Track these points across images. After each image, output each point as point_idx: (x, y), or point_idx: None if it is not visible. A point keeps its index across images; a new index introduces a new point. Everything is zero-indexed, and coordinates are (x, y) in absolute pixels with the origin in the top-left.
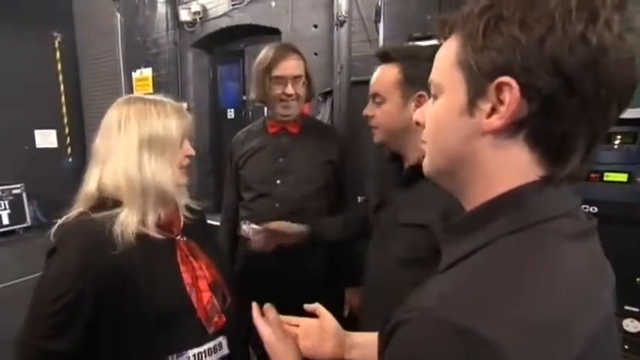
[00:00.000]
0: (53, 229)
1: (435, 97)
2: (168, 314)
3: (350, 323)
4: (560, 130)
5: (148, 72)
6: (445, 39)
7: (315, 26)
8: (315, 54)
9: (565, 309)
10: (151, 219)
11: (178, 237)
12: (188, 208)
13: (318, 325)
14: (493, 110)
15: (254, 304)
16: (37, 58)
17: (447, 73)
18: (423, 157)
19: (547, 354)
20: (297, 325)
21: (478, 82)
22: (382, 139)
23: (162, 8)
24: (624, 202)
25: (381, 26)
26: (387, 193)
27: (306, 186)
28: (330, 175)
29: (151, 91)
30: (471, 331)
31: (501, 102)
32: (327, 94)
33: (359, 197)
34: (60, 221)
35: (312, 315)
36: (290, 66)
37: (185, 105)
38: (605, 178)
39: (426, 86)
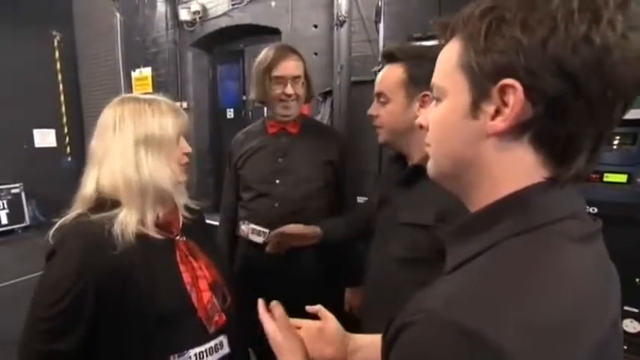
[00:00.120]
0: (51, 232)
1: (438, 100)
2: (169, 314)
3: (350, 323)
4: (565, 131)
5: (147, 71)
6: (447, 41)
7: (315, 26)
8: (315, 54)
9: (570, 311)
10: (150, 218)
11: (177, 237)
12: (187, 207)
13: (318, 328)
14: (497, 112)
15: (260, 301)
16: (36, 57)
17: (449, 76)
18: (426, 157)
19: (552, 356)
20: (299, 327)
21: (481, 84)
22: (386, 139)
23: (161, 7)
24: (624, 203)
25: (381, 26)
26: (387, 193)
27: (305, 186)
28: (329, 175)
29: (151, 90)
30: (477, 333)
31: (505, 104)
32: (327, 94)
33: (358, 197)
34: (58, 223)
35: (315, 316)
36: (290, 66)
37: (185, 104)
38: (604, 179)
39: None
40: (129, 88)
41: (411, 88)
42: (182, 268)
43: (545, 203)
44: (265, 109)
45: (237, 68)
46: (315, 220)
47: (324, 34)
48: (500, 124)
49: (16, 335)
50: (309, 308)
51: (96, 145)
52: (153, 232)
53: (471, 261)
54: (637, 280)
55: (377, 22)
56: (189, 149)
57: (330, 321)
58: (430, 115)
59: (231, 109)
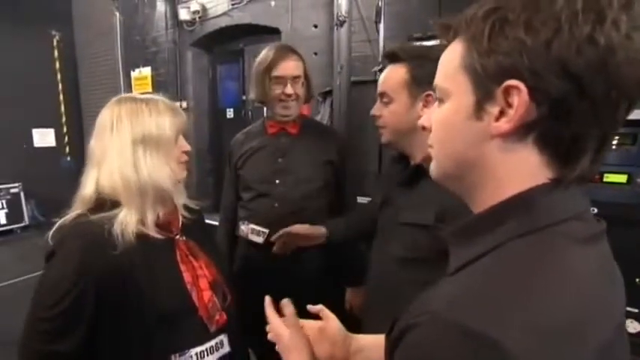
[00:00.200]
0: (51, 232)
1: (441, 102)
2: (170, 314)
3: (351, 323)
4: (569, 132)
5: (147, 71)
6: (449, 42)
7: (315, 26)
8: (315, 54)
9: (574, 313)
10: (150, 218)
11: (177, 236)
12: (186, 207)
13: (320, 328)
14: (501, 113)
15: (267, 299)
16: (35, 56)
17: (452, 77)
18: (427, 157)
19: (557, 358)
20: (301, 327)
21: (485, 85)
22: (389, 139)
23: (161, 7)
24: (624, 203)
25: (381, 26)
26: (389, 193)
27: (305, 186)
28: (329, 175)
29: (150, 90)
30: (481, 334)
31: (509, 105)
32: (327, 94)
33: (358, 197)
34: (57, 224)
35: (316, 317)
36: (289, 66)
37: (185, 104)
38: (604, 179)
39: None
40: (128, 87)
41: (414, 89)
42: (182, 267)
43: (550, 204)
44: (265, 109)
45: (236, 68)
46: (315, 220)
47: (324, 34)
48: (504, 125)
49: (16, 335)
50: (310, 307)
51: (94, 145)
52: (153, 232)
53: (474, 262)
54: (637, 280)
55: (377, 22)
56: (188, 148)
57: (331, 321)
58: (433, 117)
59: (231, 109)
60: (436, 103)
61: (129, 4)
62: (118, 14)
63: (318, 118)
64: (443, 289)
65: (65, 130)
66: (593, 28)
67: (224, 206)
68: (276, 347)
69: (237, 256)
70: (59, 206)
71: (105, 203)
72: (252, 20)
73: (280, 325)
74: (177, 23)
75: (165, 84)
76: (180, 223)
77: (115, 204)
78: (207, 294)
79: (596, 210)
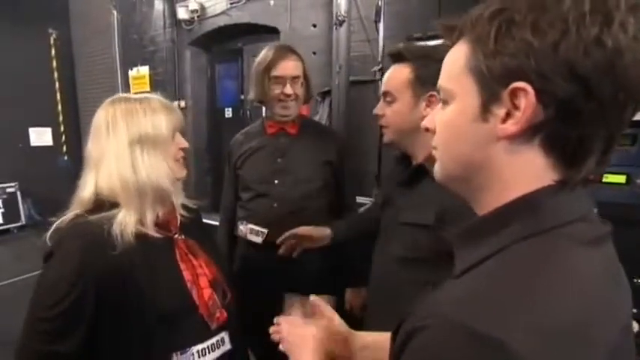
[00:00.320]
0: (49, 233)
1: (445, 103)
2: (170, 313)
3: (350, 323)
4: (576, 134)
5: (144, 70)
6: (453, 43)
7: (314, 25)
8: (314, 53)
9: (579, 315)
10: (150, 218)
11: (176, 235)
12: (184, 206)
13: (323, 326)
14: (508, 115)
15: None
16: (32, 55)
17: (457, 78)
18: (429, 157)
19: (562, 358)
20: None
21: (491, 87)
22: (392, 139)
23: (159, 5)
24: (623, 204)
25: (381, 26)
26: (391, 193)
27: (304, 186)
28: (328, 176)
29: (148, 89)
30: (487, 336)
31: (516, 107)
32: (326, 94)
33: (357, 197)
34: (55, 224)
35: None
36: (289, 66)
37: (183, 103)
38: (603, 180)
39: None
40: (126, 86)
41: (418, 88)
42: (182, 266)
43: (555, 206)
44: (264, 108)
45: (235, 67)
46: (314, 221)
47: (323, 34)
48: (511, 127)
49: (15, 335)
50: (313, 299)
51: (91, 148)
52: (153, 232)
53: (480, 264)
54: (636, 280)
55: (377, 22)
56: (185, 144)
57: (335, 319)
58: (437, 118)
59: (230, 109)
60: (440, 104)
61: (126, 2)
62: (115, 12)
63: (316, 117)
64: (449, 292)
65: (62, 129)
66: (600, 30)
67: (224, 207)
68: (280, 346)
69: (236, 256)
70: (56, 206)
71: (103, 205)
72: (251, 19)
73: (295, 322)
74: (176, 22)
75: (163, 83)
76: (179, 222)
77: (114, 205)
78: (207, 292)
79: (595, 210)
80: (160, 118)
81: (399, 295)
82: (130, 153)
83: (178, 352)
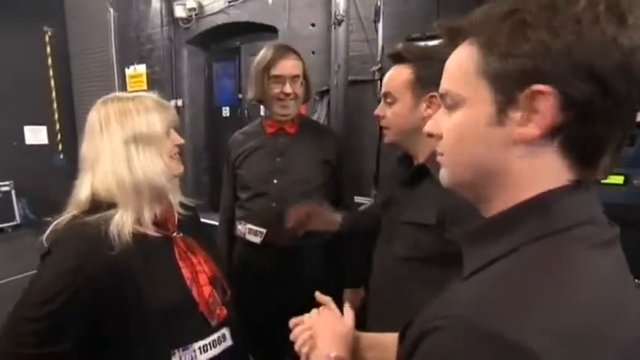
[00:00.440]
0: (46, 234)
1: (452, 108)
2: (171, 311)
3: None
4: (594, 134)
5: (141, 68)
6: (456, 45)
7: (313, 25)
8: (313, 52)
9: (591, 316)
10: (147, 217)
11: (175, 234)
12: (181, 204)
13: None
14: (525, 119)
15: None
16: (26, 52)
17: (467, 82)
18: (431, 157)
19: (578, 358)
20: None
21: (507, 90)
22: (393, 140)
23: (156, 4)
24: (621, 204)
25: (380, 26)
26: (393, 193)
27: (303, 186)
28: (327, 175)
29: (145, 87)
30: (501, 337)
31: (534, 110)
32: (324, 93)
33: (356, 197)
34: (52, 225)
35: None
36: (288, 65)
37: (180, 102)
38: (601, 180)
39: (438, 87)
40: (123, 85)
41: (418, 89)
42: (181, 264)
43: (568, 207)
44: (262, 107)
45: (233, 66)
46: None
47: (322, 33)
48: (532, 130)
49: None
50: (319, 297)
51: (86, 149)
52: (151, 231)
53: (491, 265)
54: (634, 281)
55: (376, 22)
56: (180, 140)
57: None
58: (444, 124)
59: (227, 107)
60: (441, 108)
61: (123, 0)
62: (112, 10)
63: (314, 117)
64: (460, 294)
65: (58, 127)
66: (616, 31)
67: (223, 207)
68: (296, 346)
69: (235, 256)
70: (51, 205)
71: (100, 205)
72: (250, 18)
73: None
74: (173, 20)
75: (160, 82)
76: (177, 221)
77: (111, 205)
78: (207, 289)
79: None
80: (153, 116)
81: (400, 295)
82: (125, 152)
83: (180, 349)
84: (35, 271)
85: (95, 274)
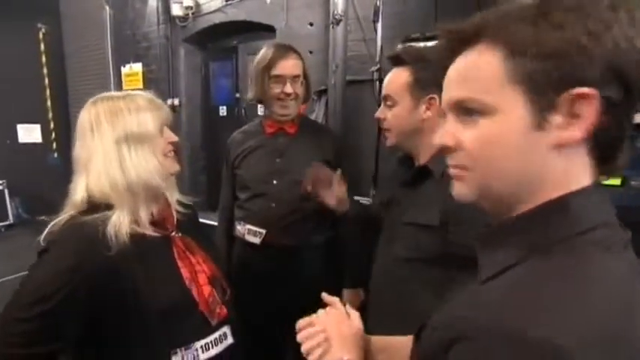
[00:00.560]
0: (43, 234)
1: (475, 117)
2: (171, 310)
3: None
4: (619, 134)
5: (137, 67)
6: (459, 50)
7: (311, 24)
8: (310, 52)
9: (609, 318)
10: (144, 217)
11: (173, 233)
12: (179, 203)
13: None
14: (566, 122)
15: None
16: (20, 50)
17: (494, 89)
18: (432, 158)
19: (613, 357)
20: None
21: (545, 94)
22: (394, 142)
23: (153, 2)
24: (618, 206)
25: (379, 26)
26: (395, 194)
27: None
28: None
29: (141, 86)
30: (534, 340)
31: (575, 113)
32: (322, 93)
33: (354, 197)
34: (49, 226)
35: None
36: (289, 65)
37: (177, 101)
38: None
39: (438, 88)
40: (119, 83)
41: (417, 91)
42: (180, 264)
43: (586, 210)
44: (259, 106)
45: (230, 65)
46: (313, 221)
47: (320, 33)
48: (575, 133)
49: None
50: (325, 297)
51: (78, 150)
52: (149, 230)
53: (511, 269)
54: None
55: (375, 22)
56: (174, 138)
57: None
58: (465, 135)
59: (224, 107)
60: (449, 118)
61: None
62: (107, 8)
63: (312, 116)
64: (483, 298)
65: (52, 125)
66: (635, 33)
67: (223, 207)
68: (304, 348)
69: (234, 255)
70: (45, 204)
71: (98, 206)
72: (247, 17)
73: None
74: (170, 19)
75: (156, 80)
76: (175, 220)
77: (109, 206)
78: (206, 289)
79: None
80: (145, 114)
81: (401, 295)
82: (117, 152)
83: (182, 348)
84: (30, 268)
85: (93, 272)
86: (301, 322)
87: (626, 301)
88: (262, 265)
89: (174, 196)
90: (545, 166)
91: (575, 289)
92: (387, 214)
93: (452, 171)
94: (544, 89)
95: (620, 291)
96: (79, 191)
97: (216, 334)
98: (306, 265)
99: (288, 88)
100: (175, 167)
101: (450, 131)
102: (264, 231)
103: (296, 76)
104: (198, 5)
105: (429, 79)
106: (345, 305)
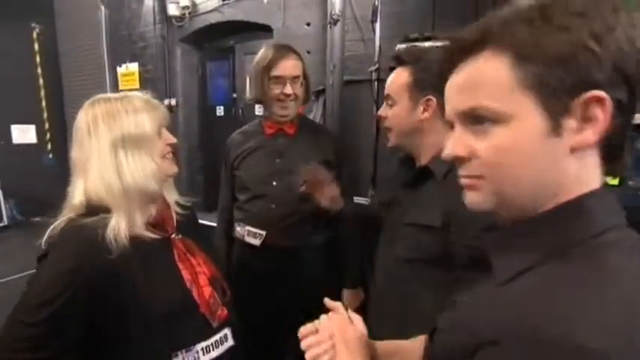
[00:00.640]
0: (44, 238)
1: (487, 125)
2: (171, 313)
3: None
4: (625, 135)
5: (134, 67)
6: (466, 55)
7: (308, 24)
8: (308, 52)
9: (630, 319)
10: (140, 221)
11: (173, 235)
12: (178, 204)
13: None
14: (580, 126)
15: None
16: (13, 50)
17: (506, 96)
18: (433, 158)
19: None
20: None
21: (559, 99)
22: (395, 142)
23: (149, 1)
24: None
25: (377, 26)
26: (396, 194)
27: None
28: None
29: (138, 86)
30: (566, 341)
31: (588, 117)
32: (320, 93)
33: (353, 198)
34: (49, 229)
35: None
36: (289, 66)
37: (174, 101)
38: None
39: (436, 90)
40: (115, 83)
41: (415, 92)
42: (181, 265)
43: (602, 210)
44: (256, 106)
45: (227, 65)
46: (312, 221)
47: (317, 33)
48: (590, 137)
49: None
50: (328, 302)
51: (76, 153)
52: (147, 233)
53: (531, 271)
54: None
55: (373, 22)
56: (173, 140)
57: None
58: (479, 145)
59: (221, 107)
60: (457, 127)
61: None
62: (103, 8)
63: (310, 116)
64: (508, 301)
65: (47, 126)
66: (635, 35)
67: (222, 207)
68: (309, 355)
69: (234, 256)
70: (41, 205)
71: (97, 209)
72: (244, 17)
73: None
74: (166, 18)
75: (153, 81)
76: (175, 221)
77: (108, 209)
78: (207, 290)
79: None
80: (142, 116)
81: (402, 296)
82: (114, 156)
83: (183, 351)
84: (26, 273)
85: (93, 275)
86: (304, 330)
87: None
88: (262, 265)
89: (172, 198)
90: (560, 171)
91: (602, 293)
92: (388, 214)
93: (464, 181)
94: (558, 94)
95: (635, 291)
96: (77, 194)
97: (217, 337)
98: (306, 265)
99: (288, 89)
100: (174, 169)
101: (461, 141)
102: (264, 232)
103: (296, 77)
104: (194, 5)
105: (427, 80)
106: (347, 310)
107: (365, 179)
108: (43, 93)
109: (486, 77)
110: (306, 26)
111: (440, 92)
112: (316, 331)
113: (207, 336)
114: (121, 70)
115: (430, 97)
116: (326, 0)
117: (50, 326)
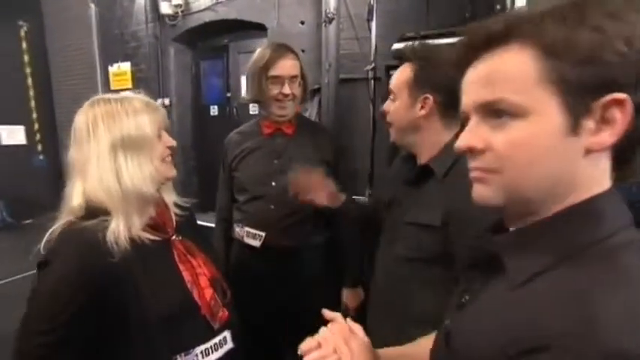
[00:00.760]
0: (42, 243)
1: (506, 119)
2: (172, 315)
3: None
4: (638, 138)
5: (126, 66)
6: (489, 47)
7: (302, 23)
8: (303, 51)
9: None
10: (138, 224)
11: (173, 237)
12: (177, 205)
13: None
14: (598, 127)
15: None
16: (0, 48)
17: (530, 91)
18: (434, 157)
19: None
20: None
21: (582, 99)
22: (395, 138)
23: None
24: None
25: (373, 24)
26: (397, 193)
27: None
28: (325, 175)
29: (130, 86)
30: (622, 349)
31: (606, 119)
32: (315, 92)
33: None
34: (48, 233)
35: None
36: (287, 66)
37: (167, 101)
38: None
39: (435, 89)
40: (106, 83)
41: (414, 89)
42: (181, 267)
43: (612, 213)
44: (251, 106)
45: (221, 64)
46: (312, 222)
47: (312, 31)
48: (607, 139)
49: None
50: (326, 313)
51: (74, 154)
52: (147, 235)
53: (549, 272)
54: None
55: (369, 21)
56: (173, 143)
57: (357, 330)
58: (496, 138)
59: (215, 106)
60: (473, 121)
61: None
62: (93, 6)
63: (305, 115)
64: (535, 304)
65: (37, 127)
66: None
67: (220, 208)
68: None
69: (232, 257)
70: (31, 207)
71: (97, 211)
72: (238, 16)
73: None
74: (159, 17)
75: (146, 80)
76: (174, 223)
77: (107, 212)
78: (208, 292)
79: None
80: (143, 118)
81: (402, 295)
82: (114, 159)
83: (182, 354)
84: (18, 277)
85: (94, 277)
86: (305, 346)
87: None
88: (262, 266)
89: (171, 199)
90: (574, 171)
91: (628, 295)
92: (389, 214)
93: (475, 173)
94: (581, 93)
95: None
96: (75, 197)
97: (217, 339)
98: (306, 265)
99: (286, 89)
100: (172, 172)
101: (477, 133)
102: (263, 234)
103: (294, 77)
104: (187, 3)
105: (427, 77)
106: (346, 319)
107: (362, 178)
108: (32, 93)
109: (510, 70)
110: (300, 25)
111: (439, 91)
112: (318, 345)
113: (207, 338)
114: (113, 69)
115: (428, 95)
116: None
117: (60, 334)
